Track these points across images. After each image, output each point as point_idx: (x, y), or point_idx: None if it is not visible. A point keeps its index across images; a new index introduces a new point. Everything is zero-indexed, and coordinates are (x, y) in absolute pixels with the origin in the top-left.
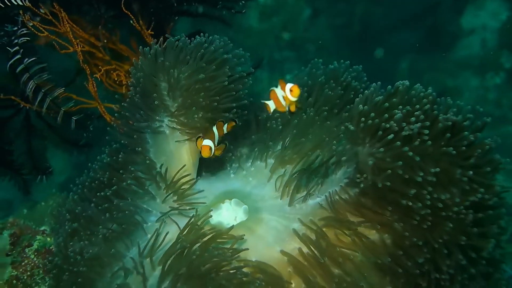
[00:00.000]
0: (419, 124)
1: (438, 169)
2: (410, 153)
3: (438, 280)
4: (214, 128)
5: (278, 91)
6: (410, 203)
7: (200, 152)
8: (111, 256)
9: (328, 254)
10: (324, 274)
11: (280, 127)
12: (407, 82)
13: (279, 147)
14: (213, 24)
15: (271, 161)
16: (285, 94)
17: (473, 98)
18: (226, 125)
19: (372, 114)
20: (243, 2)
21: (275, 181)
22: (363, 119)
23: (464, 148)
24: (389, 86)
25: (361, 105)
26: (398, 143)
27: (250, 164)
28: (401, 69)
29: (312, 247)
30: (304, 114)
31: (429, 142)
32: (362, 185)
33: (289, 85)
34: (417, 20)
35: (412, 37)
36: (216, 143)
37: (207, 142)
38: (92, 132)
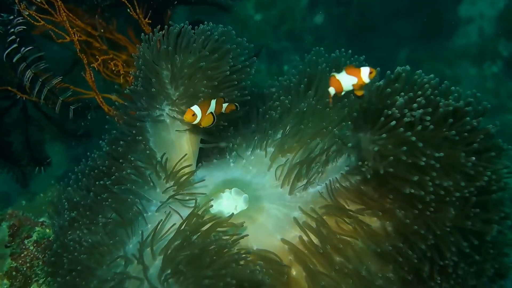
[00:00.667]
0: (421, 110)
1: (441, 154)
2: (413, 138)
3: (442, 266)
4: (213, 102)
5: (340, 76)
6: (413, 190)
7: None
8: (111, 245)
9: (328, 242)
10: (324, 261)
11: (280, 116)
12: (408, 68)
13: (279, 135)
14: (211, 12)
15: (271, 149)
16: (358, 78)
17: (471, 87)
18: (226, 104)
19: (374, 100)
20: None
21: (275, 170)
22: (364, 105)
23: (466, 133)
24: (388, 72)
25: (364, 92)
26: (401, 129)
27: (250, 152)
28: (399, 59)
29: (312, 235)
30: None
31: (432, 127)
32: (363, 173)
33: (366, 69)
34: (415, 9)
35: (410, 26)
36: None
37: (195, 108)
38: (90, 122)
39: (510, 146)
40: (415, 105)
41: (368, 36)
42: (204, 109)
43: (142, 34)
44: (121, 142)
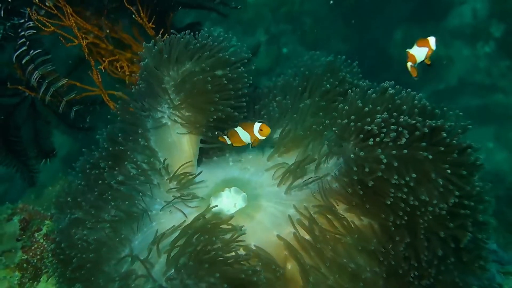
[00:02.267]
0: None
1: (414, 175)
2: (383, 159)
3: (419, 264)
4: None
5: (413, 50)
6: (388, 202)
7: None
8: (117, 242)
9: (320, 238)
10: (316, 256)
11: (277, 115)
12: (392, 83)
13: (276, 135)
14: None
15: (268, 149)
16: (428, 47)
17: (465, 67)
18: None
19: (353, 117)
20: None
21: (272, 169)
22: (345, 120)
23: (441, 151)
24: (371, 90)
25: (346, 107)
26: (379, 150)
27: (248, 152)
28: (395, 39)
29: (305, 232)
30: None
31: (406, 146)
32: (348, 178)
33: (432, 38)
34: None
35: (405, 7)
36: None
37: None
38: (96, 116)
39: (504, 125)
40: (393, 126)
41: (365, 17)
42: (249, 128)
43: (144, 43)
44: (123, 141)
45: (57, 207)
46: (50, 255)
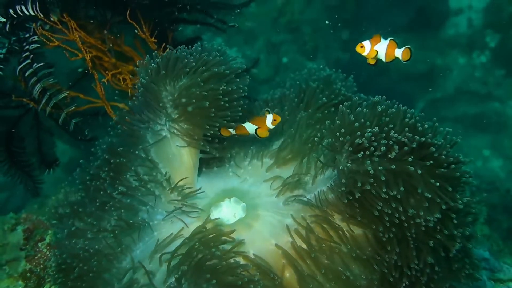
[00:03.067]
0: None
1: (402, 189)
2: (371, 171)
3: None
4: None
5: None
6: (377, 214)
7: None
8: (118, 252)
9: (316, 247)
10: (313, 265)
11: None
12: (382, 103)
13: (274, 146)
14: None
15: (267, 160)
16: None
17: (461, 76)
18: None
19: (344, 131)
20: (238, 10)
21: (270, 180)
22: (337, 134)
23: (429, 165)
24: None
25: (338, 121)
26: (368, 163)
27: (247, 162)
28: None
29: (302, 241)
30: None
31: (395, 160)
32: (340, 190)
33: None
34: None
35: (402, 17)
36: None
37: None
38: (98, 127)
39: (500, 133)
40: (383, 141)
41: (363, 26)
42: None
43: (139, 61)
44: (122, 152)
45: (57, 217)
46: (52, 264)
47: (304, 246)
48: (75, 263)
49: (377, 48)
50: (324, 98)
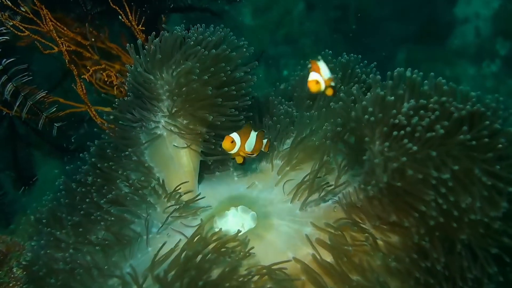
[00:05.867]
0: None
1: (456, 167)
2: (415, 148)
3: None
4: (253, 134)
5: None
6: (424, 208)
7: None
8: (106, 270)
9: (343, 259)
10: (340, 281)
11: (286, 125)
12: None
13: (285, 146)
14: (204, 19)
15: (278, 162)
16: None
17: (471, 87)
18: (266, 141)
19: (371, 109)
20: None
21: (283, 184)
22: (366, 116)
23: (486, 139)
24: (389, 72)
25: (364, 102)
26: (406, 140)
27: (255, 165)
28: (398, 60)
29: (326, 253)
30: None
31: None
32: (374, 186)
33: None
34: (411, 10)
35: (407, 27)
36: (248, 149)
37: (235, 135)
38: (83, 135)
39: None
40: (422, 111)
41: (366, 38)
42: (243, 137)
43: (130, 44)
44: (111, 154)
45: (36, 228)
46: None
47: (329, 259)
48: (51, 278)
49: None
50: (342, 87)
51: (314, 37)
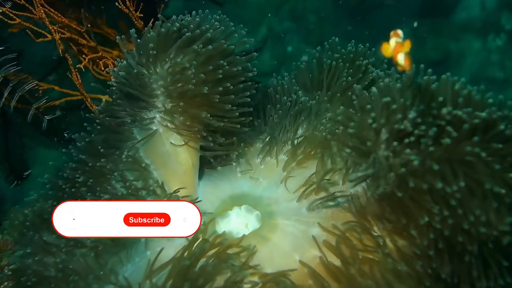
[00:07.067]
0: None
1: (462, 184)
2: (416, 162)
3: None
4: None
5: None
6: (427, 220)
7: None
8: (101, 275)
9: (352, 263)
10: (348, 285)
11: (292, 117)
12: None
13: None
14: (206, 6)
15: (283, 157)
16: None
17: (477, 61)
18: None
19: (373, 114)
20: None
21: (289, 181)
22: (370, 121)
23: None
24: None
25: (368, 105)
26: (408, 150)
27: (259, 161)
28: (404, 35)
29: (334, 255)
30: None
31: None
32: (379, 190)
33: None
34: None
35: (411, 2)
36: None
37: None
38: (79, 124)
39: None
40: (430, 119)
41: (371, 13)
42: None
43: (121, 37)
44: (103, 150)
45: (19, 229)
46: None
47: (336, 262)
48: (43, 287)
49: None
50: (350, 78)
51: (318, 13)
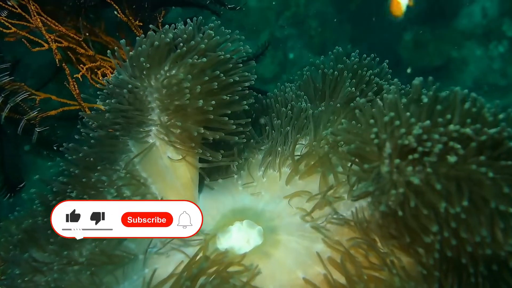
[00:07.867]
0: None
1: (465, 203)
2: (417, 181)
3: None
4: None
5: None
6: (430, 240)
7: None
8: None
9: (358, 281)
10: None
11: (296, 127)
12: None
13: (296, 152)
14: (206, 14)
15: (286, 170)
16: None
17: (479, 68)
18: None
19: (376, 130)
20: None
21: (292, 194)
22: (372, 135)
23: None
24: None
25: (371, 120)
26: (410, 168)
27: (261, 173)
28: (405, 41)
29: (339, 273)
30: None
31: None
32: (382, 207)
33: None
34: None
35: (413, 8)
36: None
37: None
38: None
39: None
40: (436, 135)
41: (372, 19)
42: None
43: (114, 50)
44: (98, 165)
45: (5, 248)
46: None
47: (342, 280)
48: None
49: None
50: (353, 89)
51: (319, 18)
